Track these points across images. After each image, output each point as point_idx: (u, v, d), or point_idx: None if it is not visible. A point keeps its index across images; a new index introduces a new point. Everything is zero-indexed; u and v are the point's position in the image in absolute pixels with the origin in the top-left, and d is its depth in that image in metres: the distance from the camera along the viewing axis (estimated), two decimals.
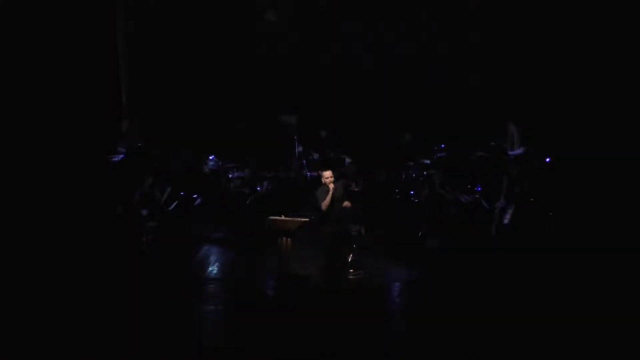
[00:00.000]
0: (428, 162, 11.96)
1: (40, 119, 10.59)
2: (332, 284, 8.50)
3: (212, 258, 9.85)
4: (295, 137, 12.57)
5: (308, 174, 12.43)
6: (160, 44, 13.08)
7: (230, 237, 10.65)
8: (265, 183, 12.02)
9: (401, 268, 9.28)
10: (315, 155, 12.60)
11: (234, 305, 8.14)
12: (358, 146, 12.68)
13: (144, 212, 10.21)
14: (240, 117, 13.33)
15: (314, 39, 13.18)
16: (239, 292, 8.50)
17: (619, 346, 6.69)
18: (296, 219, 8.72)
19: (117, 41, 12.68)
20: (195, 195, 11.60)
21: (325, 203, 8.70)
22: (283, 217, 8.74)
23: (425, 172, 11.75)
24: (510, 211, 10.98)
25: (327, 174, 8.72)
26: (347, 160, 12.37)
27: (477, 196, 11.31)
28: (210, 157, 12.30)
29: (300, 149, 12.62)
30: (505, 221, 10.96)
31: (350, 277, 8.72)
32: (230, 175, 12.13)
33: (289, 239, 8.57)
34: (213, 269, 9.42)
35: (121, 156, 11.44)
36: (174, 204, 10.83)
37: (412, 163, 12.01)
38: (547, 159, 11.33)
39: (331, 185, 8.64)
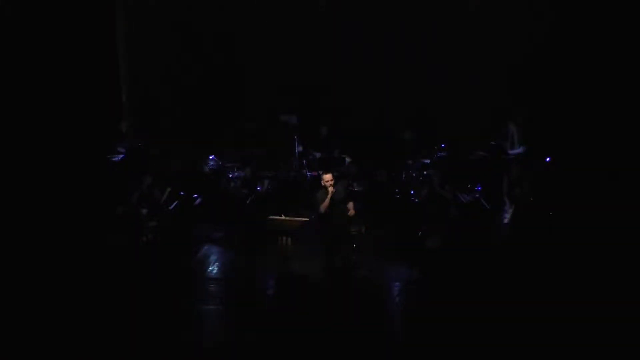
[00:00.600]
0: (428, 161, 11.95)
1: (40, 119, 10.61)
2: (333, 284, 8.50)
3: (212, 258, 9.84)
4: (295, 137, 12.56)
5: (308, 173, 12.42)
6: (160, 44, 13.08)
7: (230, 237, 10.64)
8: (265, 182, 12.01)
9: (401, 268, 9.27)
10: (317, 154, 12.59)
11: (234, 305, 8.14)
12: (358, 146, 12.67)
13: (144, 212, 10.21)
14: (242, 117, 13.33)
15: (314, 39, 13.17)
16: (239, 292, 8.50)
17: (618, 346, 6.69)
18: (296, 218, 8.71)
19: (117, 41, 12.69)
20: (195, 195, 11.60)
21: (324, 206, 8.69)
22: (283, 217, 8.73)
23: (425, 172, 11.74)
24: (510, 211, 10.99)
25: (327, 177, 8.69)
26: (347, 160, 12.36)
27: (477, 196, 11.31)
28: (210, 157, 12.30)
29: (300, 148, 12.61)
30: (505, 221, 10.98)
31: (351, 276, 8.71)
32: (230, 175, 12.12)
33: (289, 239, 8.57)
34: (213, 268, 9.41)
35: (121, 156, 11.45)
36: (174, 203, 10.83)
37: (411, 162, 12.00)
38: (547, 159, 11.34)
39: (330, 189, 8.61)
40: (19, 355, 6.62)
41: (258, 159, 12.58)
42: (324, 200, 8.75)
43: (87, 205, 10.28)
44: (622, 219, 9.90)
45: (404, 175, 12.03)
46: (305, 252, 9.15)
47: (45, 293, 7.95)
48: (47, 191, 10.14)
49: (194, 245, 10.29)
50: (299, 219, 8.70)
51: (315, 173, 12.38)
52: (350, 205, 8.81)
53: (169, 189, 10.84)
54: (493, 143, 11.18)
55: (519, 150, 10.87)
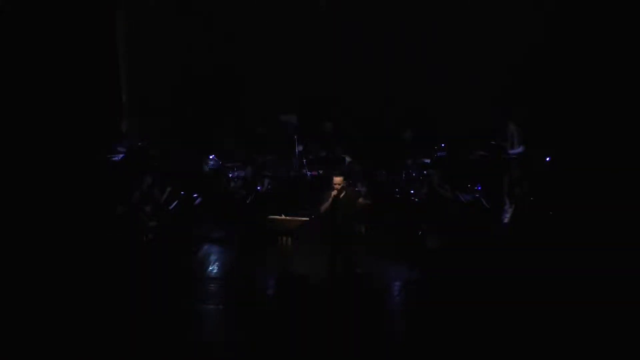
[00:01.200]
0: (428, 161, 11.95)
1: (40, 119, 10.61)
2: (333, 284, 8.49)
3: (212, 257, 9.85)
4: (295, 137, 12.56)
5: (308, 173, 12.43)
6: (160, 44, 13.08)
7: (230, 237, 10.64)
8: (266, 182, 12.01)
9: (401, 268, 9.27)
10: (322, 153, 12.56)
11: (234, 304, 8.14)
12: (358, 145, 12.67)
13: (144, 212, 10.21)
14: (247, 119, 13.32)
15: (314, 39, 13.18)
16: (239, 292, 8.50)
17: (618, 346, 6.69)
18: (296, 218, 8.71)
19: (117, 41, 12.69)
20: (195, 195, 11.60)
21: (324, 207, 8.69)
22: (283, 217, 8.73)
23: (425, 172, 11.74)
24: (510, 211, 11.00)
25: (337, 180, 8.66)
26: (347, 159, 12.36)
27: (477, 195, 11.31)
28: (210, 157, 12.30)
29: (300, 148, 12.61)
30: (505, 221, 10.98)
31: (351, 276, 8.69)
32: (230, 175, 12.13)
33: (289, 239, 8.57)
34: (213, 268, 9.42)
35: (121, 156, 11.45)
36: (174, 203, 10.83)
37: (410, 161, 12.00)
38: (547, 159, 11.34)
39: (334, 192, 8.61)
40: (19, 355, 6.62)
41: (259, 159, 12.58)
42: (327, 200, 8.72)
43: (87, 205, 10.28)
44: (622, 219, 9.90)
45: (404, 175, 12.03)
46: (305, 252, 9.14)
47: (45, 293, 7.95)
48: (48, 191, 10.13)
49: (194, 245, 10.29)
50: (299, 219, 8.69)
51: (315, 173, 12.39)
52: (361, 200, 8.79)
53: (169, 189, 10.84)
54: (493, 143, 11.19)
55: (519, 149, 10.87)
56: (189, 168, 12.19)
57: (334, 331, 7.14)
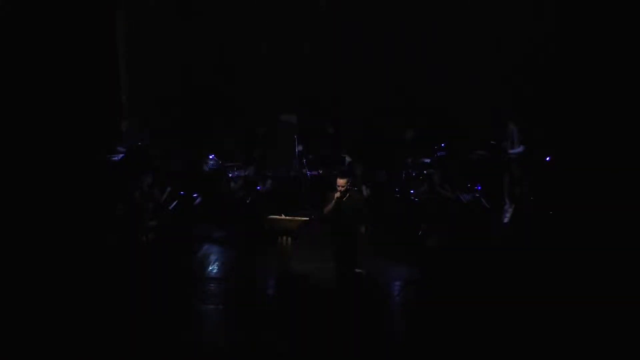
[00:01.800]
0: (428, 160, 11.95)
1: (40, 119, 10.61)
2: (333, 284, 8.49)
3: (212, 257, 9.85)
4: (295, 137, 12.56)
5: (308, 173, 12.43)
6: (160, 44, 13.08)
7: (230, 237, 10.65)
8: (268, 182, 12.02)
9: (401, 267, 9.27)
10: (322, 153, 12.55)
11: (234, 304, 8.14)
12: (358, 145, 12.68)
13: (144, 212, 10.22)
14: (245, 118, 13.33)
15: (314, 38, 13.18)
16: (239, 292, 8.50)
17: (617, 345, 6.69)
18: (296, 218, 8.71)
19: (117, 41, 12.69)
20: (195, 195, 11.59)
21: (327, 209, 8.70)
22: (283, 217, 8.73)
23: (425, 171, 11.74)
24: (510, 210, 11.00)
25: (341, 182, 8.65)
26: (348, 159, 12.36)
27: (477, 195, 11.31)
28: (210, 157, 12.30)
29: (300, 148, 12.61)
30: (505, 220, 10.98)
31: (352, 276, 8.70)
32: (230, 175, 12.13)
33: (289, 239, 8.57)
34: (213, 268, 9.42)
35: (121, 155, 11.45)
36: (174, 203, 10.83)
37: (410, 160, 11.99)
38: (547, 158, 11.34)
39: (337, 194, 8.61)
40: (19, 355, 6.62)
41: (261, 159, 12.58)
42: (330, 202, 8.73)
43: (87, 205, 10.28)
44: (622, 219, 9.90)
45: (403, 175, 12.03)
46: (306, 252, 9.14)
47: (45, 292, 7.94)
48: (47, 191, 10.13)
49: (194, 245, 10.29)
50: (299, 218, 8.69)
51: (315, 173, 12.39)
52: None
53: (169, 189, 10.84)
54: (493, 143, 11.18)
55: (519, 149, 10.87)
56: (189, 168, 12.19)
57: (334, 331, 7.14)
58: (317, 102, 13.31)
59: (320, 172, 12.40)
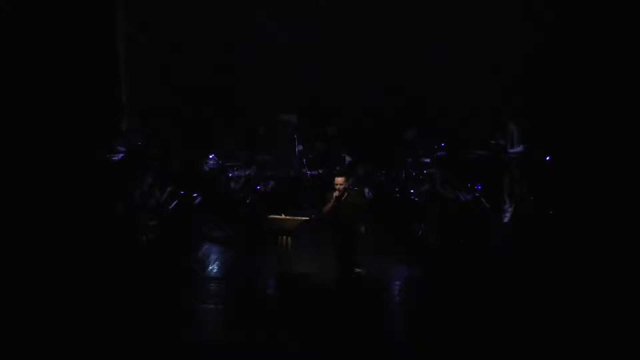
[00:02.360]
0: (428, 160, 11.95)
1: (40, 119, 10.61)
2: (333, 283, 8.49)
3: (212, 257, 9.85)
4: (295, 136, 12.56)
5: (308, 172, 12.42)
6: (160, 44, 13.08)
7: (230, 236, 10.65)
8: (269, 183, 12.02)
9: (401, 267, 9.28)
10: (322, 152, 12.54)
11: (234, 304, 8.14)
12: (358, 145, 12.68)
13: (144, 211, 10.22)
14: (246, 118, 13.33)
15: (313, 37, 13.18)
16: (239, 292, 8.50)
17: (617, 345, 6.69)
18: (296, 218, 8.71)
19: (117, 41, 12.69)
20: (195, 195, 11.60)
21: (326, 208, 8.70)
22: (283, 216, 8.73)
23: (424, 171, 11.74)
24: (510, 210, 11.00)
25: (339, 180, 8.66)
26: (348, 159, 12.36)
27: (477, 195, 11.31)
28: (210, 156, 12.30)
29: (300, 147, 12.61)
30: (505, 220, 10.98)
31: (353, 275, 8.70)
32: (230, 174, 12.13)
33: (288, 238, 8.57)
34: (213, 268, 9.42)
35: (121, 155, 11.45)
36: (174, 203, 10.83)
37: (410, 159, 11.99)
38: (547, 158, 11.35)
39: (336, 193, 8.61)
40: (19, 355, 6.62)
41: (261, 159, 12.58)
42: (330, 201, 8.73)
43: (87, 204, 10.28)
44: (622, 218, 9.90)
45: (403, 174, 12.03)
46: (306, 252, 9.15)
47: (44, 292, 7.94)
48: (47, 190, 10.13)
49: (194, 244, 10.29)
50: (299, 218, 8.69)
51: (315, 172, 12.38)
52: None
53: (169, 189, 10.84)
54: (493, 142, 11.19)
55: (518, 149, 10.87)
56: (189, 168, 12.19)
57: (334, 331, 7.14)
58: (316, 101, 13.29)
59: (320, 172, 12.40)
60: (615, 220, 9.89)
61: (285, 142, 12.87)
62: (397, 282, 8.81)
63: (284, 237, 8.56)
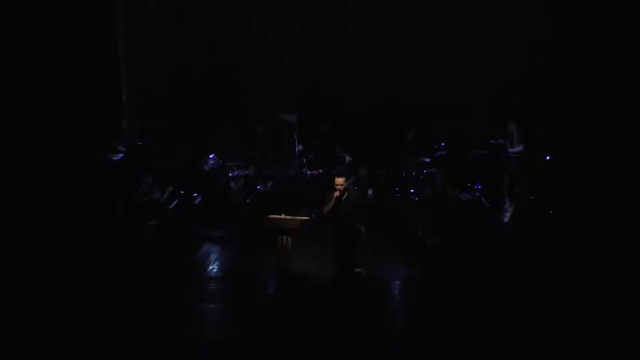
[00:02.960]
0: (428, 160, 11.95)
1: (40, 118, 10.62)
2: (333, 283, 8.49)
3: (212, 257, 9.85)
4: (295, 136, 12.56)
5: (308, 172, 12.42)
6: (160, 44, 13.08)
7: (230, 236, 10.65)
8: (268, 183, 12.03)
9: (401, 267, 9.28)
10: (322, 152, 12.55)
11: (234, 304, 8.14)
12: (358, 145, 12.68)
13: (144, 211, 10.22)
14: (246, 117, 13.33)
15: (312, 37, 13.18)
16: (239, 291, 8.50)
17: (616, 345, 6.69)
18: (296, 217, 8.71)
19: (117, 41, 12.70)
20: (195, 195, 11.60)
21: (326, 208, 8.71)
22: (283, 216, 8.73)
23: (425, 171, 11.74)
24: (510, 210, 11.00)
25: (339, 180, 8.66)
26: (348, 159, 12.36)
27: (477, 194, 11.31)
28: (210, 156, 12.31)
29: (301, 147, 12.61)
30: (505, 219, 10.98)
31: (353, 275, 8.70)
32: (230, 174, 12.13)
33: (288, 238, 8.57)
34: (213, 267, 9.42)
35: (121, 155, 11.46)
36: (174, 202, 10.83)
37: (410, 159, 11.98)
38: (547, 157, 11.35)
39: (336, 193, 8.62)
40: (19, 355, 6.62)
41: (261, 159, 12.59)
42: (329, 201, 8.73)
43: (87, 204, 10.28)
44: (622, 218, 9.90)
45: (403, 174, 12.03)
46: (306, 251, 9.15)
47: (44, 292, 7.94)
48: (47, 190, 10.14)
49: (194, 244, 10.29)
50: (299, 218, 8.69)
51: (315, 172, 12.38)
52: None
53: (170, 189, 10.85)
54: (493, 142, 11.19)
55: (518, 148, 10.87)
56: (189, 168, 12.19)
57: (335, 331, 7.14)
58: (316, 101, 13.29)
59: (320, 171, 12.40)
60: (615, 220, 9.89)
61: (285, 142, 12.87)
62: (397, 282, 8.81)
63: (284, 237, 8.56)
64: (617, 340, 6.75)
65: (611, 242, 9.27)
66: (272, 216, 8.78)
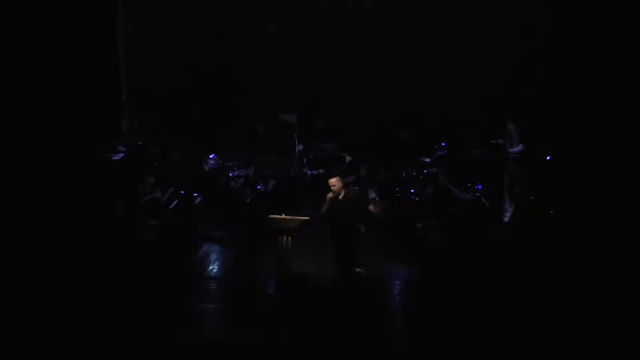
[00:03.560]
0: (428, 160, 11.94)
1: (40, 118, 10.62)
2: (333, 283, 8.49)
3: (213, 257, 9.85)
4: (295, 136, 12.57)
5: (308, 172, 12.42)
6: (160, 44, 13.08)
7: (230, 236, 10.65)
8: (271, 182, 12.02)
9: (401, 266, 9.28)
10: (322, 152, 12.54)
11: (234, 304, 8.14)
12: (358, 145, 12.68)
13: (145, 211, 10.22)
14: (246, 117, 13.33)
15: (311, 37, 13.19)
16: (239, 291, 8.50)
17: (616, 345, 6.69)
18: (296, 217, 8.71)
19: (117, 41, 12.70)
20: (195, 195, 11.60)
21: (323, 210, 8.72)
22: (283, 216, 8.73)
23: (425, 170, 11.74)
24: (510, 209, 11.00)
25: (332, 181, 8.67)
26: (348, 158, 12.36)
27: (477, 194, 11.31)
28: (211, 156, 12.30)
29: (301, 147, 12.61)
30: (506, 219, 10.98)
31: (353, 275, 8.70)
32: (230, 174, 12.13)
33: (289, 238, 8.57)
34: (213, 267, 9.42)
35: (121, 155, 11.46)
36: (175, 202, 10.83)
37: (410, 160, 11.98)
38: (547, 157, 11.34)
39: (330, 194, 8.62)
40: (19, 355, 6.62)
41: (262, 158, 12.59)
42: (326, 202, 8.73)
43: (87, 204, 10.28)
44: (622, 218, 9.90)
45: (403, 174, 12.02)
46: (306, 252, 9.15)
47: (44, 292, 7.94)
48: (47, 190, 10.13)
49: (194, 244, 10.29)
50: (299, 218, 8.69)
51: (315, 172, 12.38)
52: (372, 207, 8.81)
53: (171, 189, 10.85)
54: (493, 142, 11.19)
55: (518, 148, 10.87)
56: (189, 167, 12.19)
57: (335, 331, 7.14)
58: (316, 101, 13.29)
59: (321, 171, 12.40)
60: (616, 219, 9.89)
61: (285, 142, 12.87)
62: (397, 282, 8.81)
63: (284, 237, 8.56)
64: (617, 340, 6.75)
65: (611, 242, 9.27)
66: (272, 216, 8.78)
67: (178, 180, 11.42)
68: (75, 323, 7.20)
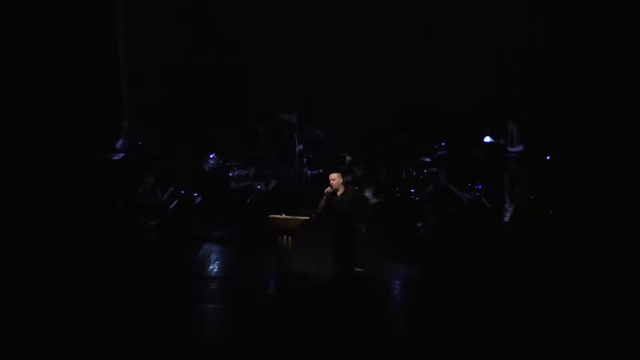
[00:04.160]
0: (428, 160, 11.94)
1: (40, 118, 10.61)
2: (333, 283, 8.49)
3: (213, 257, 9.85)
4: (295, 136, 12.56)
5: (308, 172, 12.42)
6: (160, 44, 13.08)
7: (230, 236, 10.65)
8: (271, 183, 12.03)
9: (401, 266, 9.28)
10: (322, 152, 12.54)
11: (234, 304, 8.14)
12: (358, 145, 12.68)
13: (145, 211, 10.22)
14: (247, 117, 13.33)
15: (311, 37, 13.19)
16: (239, 291, 8.50)
17: (616, 345, 6.69)
18: (296, 217, 8.72)
19: (117, 41, 12.69)
20: (195, 195, 11.60)
21: (320, 206, 8.72)
22: (283, 216, 8.74)
23: (425, 170, 11.74)
24: (510, 209, 11.00)
25: (333, 175, 8.68)
26: (348, 158, 12.36)
27: (477, 194, 11.31)
28: (211, 156, 12.30)
29: (301, 147, 12.61)
30: (506, 219, 10.98)
31: (353, 275, 8.71)
32: (230, 174, 12.13)
33: (289, 238, 8.57)
34: (213, 267, 9.42)
35: (121, 155, 11.45)
36: (175, 202, 10.83)
37: (410, 160, 11.98)
38: (547, 157, 11.34)
39: (328, 189, 8.62)
40: (19, 355, 6.62)
41: (261, 159, 12.58)
42: (323, 199, 8.74)
43: (87, 204, 10.28)
44: (622, 218, 9.90)
45: (404, 174, 12.03)
46: (306, 251, 9.15)
47: (45, 292, 7.94)
48: (47, 190, 10.13)
49: (194, 244, 10.29)
50: (299, 218, 8.70)
51: (315, 172, 12.38)
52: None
53: (171, 189, 10.85)
54: (493, 142, 11.18)
55: (518, 148, 10.87)
56: (189, 168, 12.19)
57: (335, 331, 7.14)
58: (316, 101, 13.29)
59: (321, 171, 12.40)
60: (615, 219, 9.88)
61: (285, 142, 12.87)
62: (397, 282, 8.81)
63: (284, 237, 8.56)
64: (617, 339, 6.75)
65: (611, 242, 9.27)
66: (272, 216, 8.78)
67: (178, 180, 11.42)
68: (75, 323, 7.20)
